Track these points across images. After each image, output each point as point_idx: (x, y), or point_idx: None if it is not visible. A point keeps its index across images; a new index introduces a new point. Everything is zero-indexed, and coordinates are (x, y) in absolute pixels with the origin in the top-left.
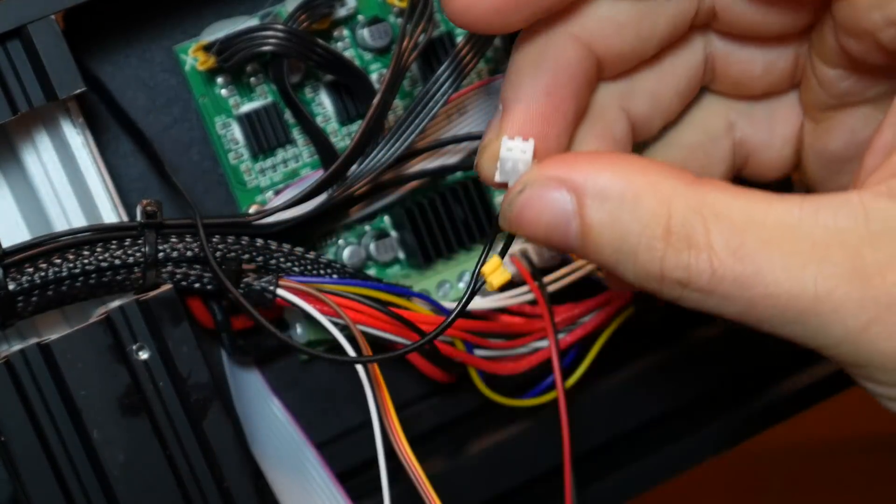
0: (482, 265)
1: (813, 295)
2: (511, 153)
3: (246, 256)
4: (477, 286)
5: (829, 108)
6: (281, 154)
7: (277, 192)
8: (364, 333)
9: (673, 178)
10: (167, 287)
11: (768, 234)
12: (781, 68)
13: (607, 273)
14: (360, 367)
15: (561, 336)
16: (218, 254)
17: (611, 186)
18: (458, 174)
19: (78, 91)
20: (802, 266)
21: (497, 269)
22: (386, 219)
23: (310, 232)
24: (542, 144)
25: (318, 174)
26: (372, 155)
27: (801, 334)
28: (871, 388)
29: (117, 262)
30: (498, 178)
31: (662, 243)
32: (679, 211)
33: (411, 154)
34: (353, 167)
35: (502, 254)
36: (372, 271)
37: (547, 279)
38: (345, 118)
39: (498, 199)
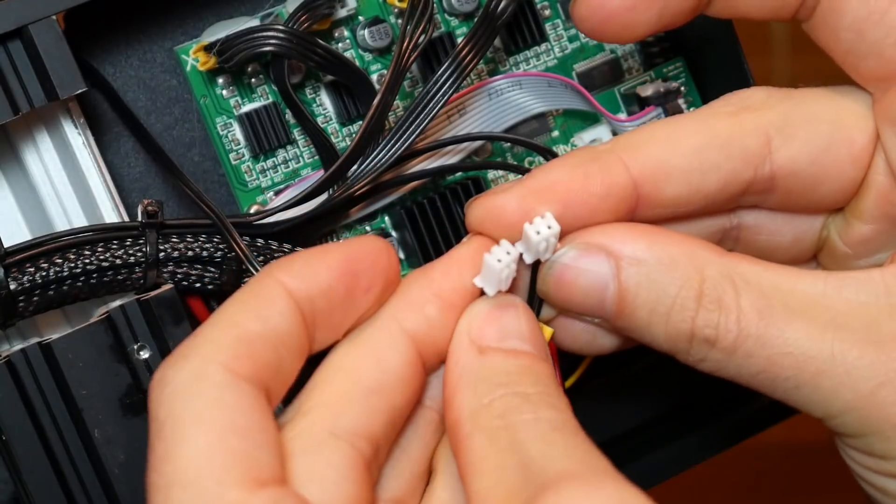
0: None
1: (829, 356)
2: (540, 235)
3: None
4: None
5: (850, 260)
6: (282, 154)
7: (278, 193)
8: None
9: (706, 249)
10: (168, 287)
11: (793, 302)
12: (811, 237)
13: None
14: None
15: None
16: (219, 254)
17: (648, 252)
18: (458, 174)
19: (79, 91)
20: (822, 331)
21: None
22: (386, 219)
23: (310, 232)
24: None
25: (319, 174)
26: (372, 155)
27: (813, 399)
28: (865, 463)
29: (118, 261)
30: (529, 260)
31: (695, 303)
32: (712, 276)
33: (411, 154)
34: (354, 167)
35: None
36: None
37: None
38: (345, 118)
39: None
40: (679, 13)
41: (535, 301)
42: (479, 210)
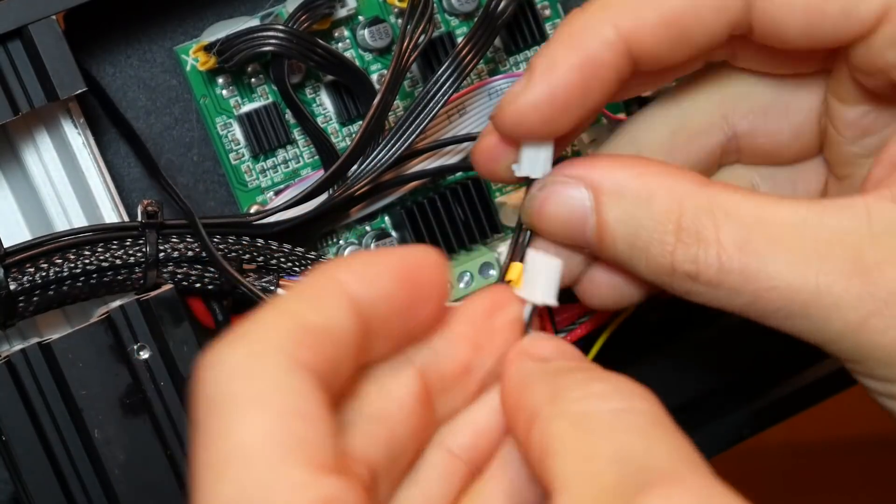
0: (505, 271)
1: (814, 289)
2: (532, 149)
3: (247, 256)
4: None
5: (852, 161)
6: (282, 154)
7: (278, 193)
8: None
9: (686, 180)
10: (168, 287)
11: (775, 232)
12: (809, 130)
13: (582, 289)
14: None
15: (561, 336)
16: (219, 254)
17: (626, 185)
18: (458, 174)
19: (79, 91)
20: (806, 262)
21: (520, 276)
22: (386, 219)
23: (310, 232)
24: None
25: (319, 174)
26: (372, 155)
27: (805, 328)
28: (871, 386)
29: (118, 261)
30: (519, 172)
31: (673, 238)
32: (690, 209)
33: (411, 154)
34: (354, 167)
35: (522, 252)
36: None
37: None
38: (345, 118)
39: (498, 199)
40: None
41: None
42: (507, 117)
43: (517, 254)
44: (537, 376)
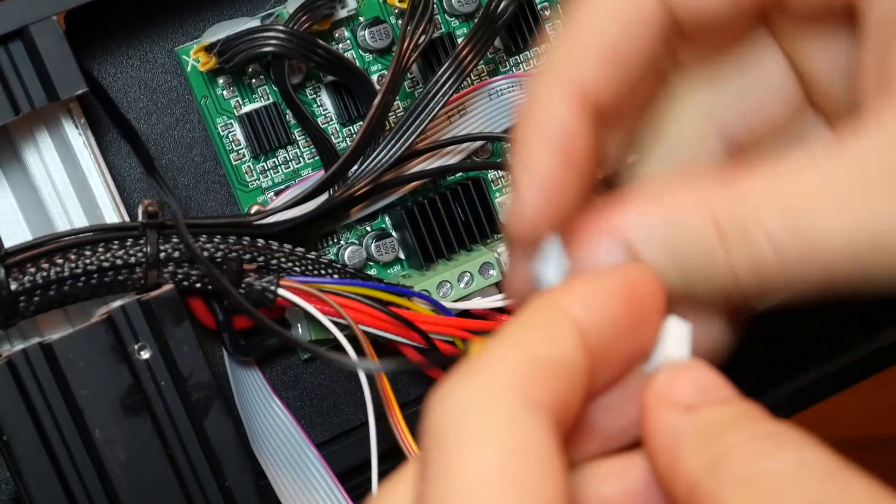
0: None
1: (875, 228)
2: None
3: (247, 257)
4: None
5: (838, 99)
6: (282, 154)
7: (278, 193)
8: (365, 333)
9: (710, 188)
10: (169, 287)
11: (812, 196)
12: (788, 91)
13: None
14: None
15: None
16: (219, 254)
17: (653, 223)
18: (458, 174)
19: (79, 91)
20: (853, 209)
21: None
22: (386, 219)
23: (310, 232)
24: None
25: (319, 175)
26: (372, 155)
27: (885, 277)
28: None
29: (119, 261)
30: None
31: (722, 250)
32: (724, 214)
33: (412, 155)
34: (354, 168)
35: None
36: (373, 271)
37: None
38: (345, 119)
39: (498, 199)
40: None
41: None
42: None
43: None
44: (688, 438)
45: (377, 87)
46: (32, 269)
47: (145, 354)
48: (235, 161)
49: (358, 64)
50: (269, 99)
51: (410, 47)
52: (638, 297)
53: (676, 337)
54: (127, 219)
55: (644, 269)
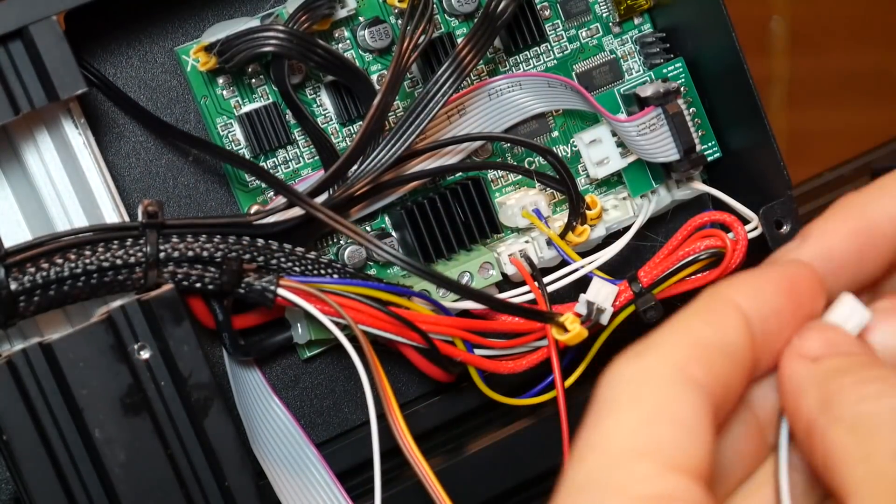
0: None
1: None
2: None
3: (247, 256)
4: None
5: None
6: (282, 154)
7: (278, 193)
8: (365, 333)
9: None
10: (168, 287)
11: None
12: None
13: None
14: (360, 368)
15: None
16: (219, 254)
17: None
18: (458, 174)
19: (79, 91)
20: None
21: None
22: (386, 219)
23: (310, 232)
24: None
25: (319, 174)
26: (372, 155)
27: None
28: None
29: (119, 261)
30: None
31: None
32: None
33: (411, 154)
34: (354, 167)
35: None
36: (372, 271)
37: (547, 279)
38: (345, 119)
39: (497, 199)
40: None
41: None
42: None
43: None
44: (808, 382)
45: (377, 87)
46: (32, 269)
47: (145, 354)
48: None
49: (358, 64)
50: (268, 99)
51: (410, 47)
52: (798, 290)
53: (846, 308)
54: (127, 219)
55: (804, 266)
